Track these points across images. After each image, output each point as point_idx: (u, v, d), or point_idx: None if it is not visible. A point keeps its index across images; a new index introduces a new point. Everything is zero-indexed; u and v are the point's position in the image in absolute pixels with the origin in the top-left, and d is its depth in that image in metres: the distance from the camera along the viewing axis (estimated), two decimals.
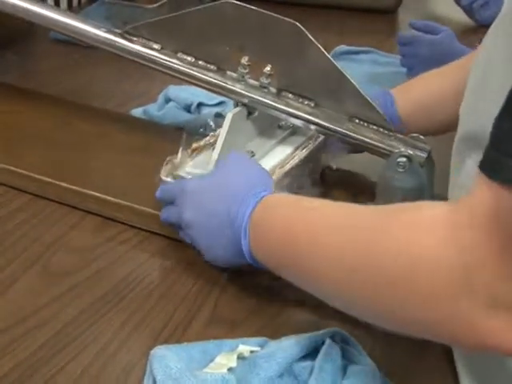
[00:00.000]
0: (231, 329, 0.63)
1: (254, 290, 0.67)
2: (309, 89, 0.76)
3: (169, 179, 0.73)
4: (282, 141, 0.81)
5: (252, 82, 0.78)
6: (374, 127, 0.76)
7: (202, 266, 0.69)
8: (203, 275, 0.69)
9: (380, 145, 0.76)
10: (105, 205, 0.77)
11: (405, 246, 0.45)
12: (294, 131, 0.82)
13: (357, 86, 0.74)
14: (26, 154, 0.85)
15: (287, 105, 0.78)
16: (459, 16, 1.42)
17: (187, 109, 0.95)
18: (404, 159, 0.72)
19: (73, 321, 0.63)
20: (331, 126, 0.77)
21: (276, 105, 0.77)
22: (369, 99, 0.74)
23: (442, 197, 0.62)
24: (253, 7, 0.73)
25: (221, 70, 0.79)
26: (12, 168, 0.82)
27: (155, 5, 1.30)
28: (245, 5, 0.73)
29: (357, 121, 0.76)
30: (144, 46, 0.82)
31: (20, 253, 0.71)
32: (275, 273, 0.60)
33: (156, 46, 0.81)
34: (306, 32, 0.71)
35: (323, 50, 0.72)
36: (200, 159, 0.76)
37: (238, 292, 0.67)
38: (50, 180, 0.79)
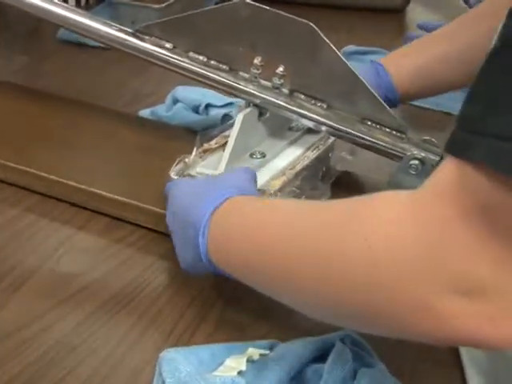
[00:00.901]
0: (240, 331, 0.62)
1: (262, 293, 0.67)
2: (321, 90, 0.76)
3: (176, 178, 0.72)
4: (293, 142, 0.80)
5: (264, 82, 0.78)
6: (387, 130, 0.75)
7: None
8: (211, 277, 0.68)
9: (392, 147, 0.75)
10: (113, 204, 0.76)
11: (368, 228, 0.44)
12: (305, 133, 0.82)
13: (370, 88, 0.73)
14: (34, 153, 0.84)
15: (299, 106, 0.77)
16: None
17: (195, 110, 0.94)
18: (416, 162, 0.71)
19: (81, 323, 0.62)
20: (343, 128, 0.76)
21: (288, 106, 0.77)
22: (382, 101, 0.74)
23: None
24: (267, 7, 0.72)
25: (233, 71, 0.79)
26: (20, 167, 0.81)
27: (163, 5, 1.29)
28: (259, 5, 0.73)
29: (369, 123, 0.75)
30: (156, 44, 0.81)
31: (29, 253, 0.71)
32: (236, 277, 0.58)
33: (168, 45, 0.81)
34: (320, 33, 0.71)
35: (337, 51, 0.72)
36: (211, 160, 0.76)
37: (247, 294, 0.66)
38: (57, 179, 0.79)
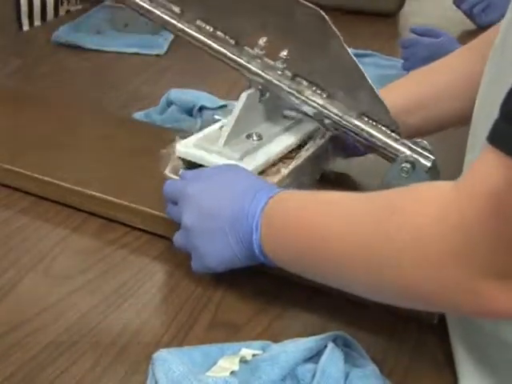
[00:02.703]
0: (233, 332, 0.62)
1: (256, 293, 0.67)
2: (324, 79, 0.75)
3: (172, 175, 0.73)
4: (288, 129, 0.80)
5: (268, 61, 0.77)
6: (383, 128, 0.75)
7: None
8: (205, 278, 0.68)
9: (386, 146, 0.75)
10: (107, 206, 0.77)
11: (410, 218, 0.47)
12: (299, 122, 0.81)
13: (372, 85, 0.72)
14: (27, 155, 0.85)
15: (300, 91, 0.76)
16: (460, 19, 1.43)
17: (189, 112, 0.95)
18: (408, 165, 0.72)
19: (75, 324, 0.63)
20: (340, 119, 0.75)
21: (289, 89, 0.76)
22: (382, 101, 0.73)
23: None
24: None
25: (239, 46, 0.78)
26: (14, 169, 0.82)
27: None
28: None
29: (366, 119, 0.75)
30: (163, 7, 0.79)
31: (22, 255, 0.71)
32: (287, 269, 0.61)
33: (176, 10, 0.79)
34: (330, 23, 0.70)
35: (343, 42, 0.71)
36: (207, 140, 0.75)
37: (240, 295, 0.67)
38: (51, 181, 0.80)
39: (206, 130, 0.78)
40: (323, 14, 0.70)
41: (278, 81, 0.76)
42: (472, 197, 0.44)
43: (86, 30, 1.28)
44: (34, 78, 1.13)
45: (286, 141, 0.78)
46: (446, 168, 0.73)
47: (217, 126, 0.79)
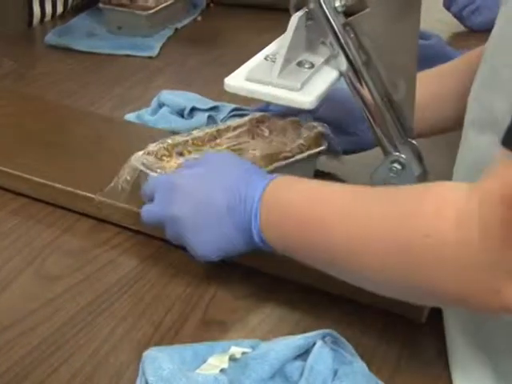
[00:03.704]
0: (223, 331, 0.63)
1: (246, 292, 0.68)
2: (374, 46, 0.70)
3: (149, 172, 0.71)
4: (328, 61, 0.73)
5: None
6: (395, 117, 0.72)
7: (193, 269, 0.70)
8: (195, 278, 0.69)
9: (387, 138, 0.73)
10: (98, 206, 0.77)
11: (432, 222, 0.48)
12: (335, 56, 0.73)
13: (416, 79, 0.70)
14: (20, 156, 0.85)
15: (346, 42, 0.70)
16: (450, 21, 1.43)
17: (180, 113, 0.95)
18: (399, 166, 0.72)
19: (66, 323, 0.63)
20: (364, 87, 0.71)
21: (339, 33, 0.69)
22: (414, 97, 0.71)
23: None
24: None
25: None
26: (6, 170, 0.82)
27: (150, 11, 1.30)
28: None
29: (388, 102, 0.72)
30: None
31: (13, 256, 0.72)
32: (287, 254, 0.61)
33: None
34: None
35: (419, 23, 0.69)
36: (259, 70, 0.70)
37: (231, 294, 0.67)
38: (43, 181, 0.80)
39: (250, 62, 0.72)
40: None
41: (332, 20, 0.69)
42: (492, 199, 0.45)
43: (78, 32, 1.28)
44: (26, 79, 1.13)
45: (334, 70, 0.72)
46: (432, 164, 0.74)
47: (260, 55, 0.73)
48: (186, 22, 1.39)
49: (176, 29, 1.35)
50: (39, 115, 0.96)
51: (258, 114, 0.84)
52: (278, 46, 0.71)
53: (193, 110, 0.94)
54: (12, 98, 1.01)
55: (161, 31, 1.32)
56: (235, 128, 0.80)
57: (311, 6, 0.70)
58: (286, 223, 0.59)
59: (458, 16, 1.41)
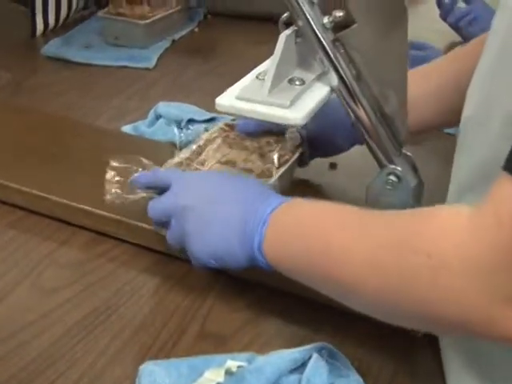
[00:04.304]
0: (221, 343, 0.63)
1: (243, 305, 0.68)
2: (363, 61, 0.70)
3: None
4: (320, 77, 0.73)
5: (319, 12, 0.71)
6: (389, 132, 0.73)
7: (191, 282, 0.70)
8: (192, 291, 0.69)
9: (381, 150, 0.73)
10: (95, 219, 0.77)
11: (434, 244, 0.48)
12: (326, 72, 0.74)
13: (406, 90, 0.70)
14: (16, 168, 0.85)
15: (335, 57, 0.71)
16: (447, 32, 1.44)
17: (177, 125, 0.95)
18: (394, 178, 0.72)
19: (62, 336, 0.63)
20: (357, 101, 0.71)
21: (328, 48, 0.70)
22: (406, 110, 0.72)
23: None
24: None
25: None
26: (3, 182, 0.82)
27: (147, 20, 1.31)
28: None
29: (379, 114, 0.72)
30: None
31: (11, 268, 0.72)
32: (286, 274, 0.60)
33: None
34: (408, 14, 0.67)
35: (407, 36, 0.69)
36: (249, 88, 0.71)
37: (228, 307, 0.68)
38: (40, 194, 0.80)
39: (242, 81, 0.73)
40: (407, 7, 0.68)
41: (321, 36, 0.70)
42: (494, 224, 0.45)
43: (75, 44, 1.29)
44: (23, 90, 1.13)
45: (322, 89, 0.73)
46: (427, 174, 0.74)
47: (251, 75, 0.74)
48: (183, 32, 1.40)
49: (173, 40, 1.35)
50: (36, 127, 0.96)
51: (224, 122, 0.85)
52: (268, 64, 0.72)
53: (190, 121, 0.95)
54: (9, 110, 1.02)
55: (158, 42, 1.33)
56: (211, 141, 0.81)
57: (300, 23, 0.70)
58: (290, 243, 0.59)
59: (455, 26, 1.42)
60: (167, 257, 0.72)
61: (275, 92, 0.70)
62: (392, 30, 0.69)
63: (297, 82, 0.72)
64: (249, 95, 0.70)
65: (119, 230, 0.76)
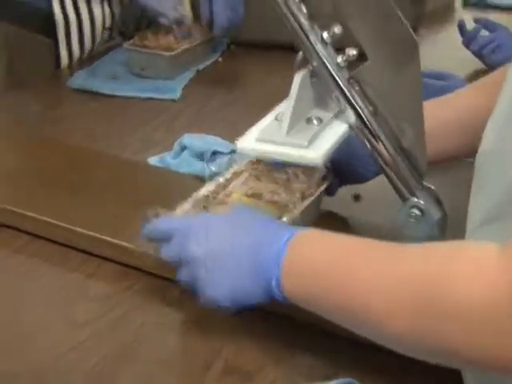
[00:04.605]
0: (246, 380, 0.63)
1: (269, 340, 0.68)
2: (379, 96, 0.72)
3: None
4: (337, 115, 0.75)
5: (332, 52, 0.73)
6: (408, 163, 0.73)
7: (217, 316, 0.70)
8: (218, 326, 0.69)
9: (403, 184, 0.74)
10: (121, 251, 0.78)
11: (463, 284, 0.48)
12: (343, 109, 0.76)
13: (423, 126, 0.71)
14: (42, 197, 0.87)
15: (351, 95, 0.73)
16: (471, 59, 1.44)
17: (202, 157, 0.96)
18: (418, 211, 0.72)
19: (89, 372, 0.64)
20: (377, 138, 0.73)
21: (344, 87, 0.72)
22: (424, 143, 0.72)
23: None
24: None
25: (311, 20, 0.73)
26: (26, 212, 0.83)
27: (172, 52, 1.32)
28: None
29: (398, 149, 0.73)
30: None
31: (42, 300, 0.73)
32: (303, 306, 0.60)
33: None
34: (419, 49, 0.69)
35: (420, 73, 0.70)
36: (266, 132, 0.73)
37: (253, 342, 0.67)
38: (65, 225, 0.81)
39: (261, 122, 0.76)
40: (417, 40, 0.69)
41: (336, 76, 0.72)
42: None
43: (101, 75, 1.30)
44: (50, 122, 1.14)
45: (340, 128, 0.75)
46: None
47: (270, 116, 0.76)
48: (207, 63, 1.41)
49: (197, 70, 1.36)
50: (61, 157, 0.97)
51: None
52: (285, 105, 0.73)
53: (214, 153, 0.96)
54: (33, 140, 1.03)
55: (183, 73, 1.34)
56: (238, 174, 0.82)
57: (314, 63, 0.72)
58: (309, 276, 0.59)
59: (478, 54, 1.42)
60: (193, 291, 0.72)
61: (293, 132, 0.72)
62: (404, 65, 0.70)
63: (314, 122, 0.74)
64: (268, 137, 0.73)
65: (145, 263, 0.76)
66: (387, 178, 0.74)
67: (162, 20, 1.34)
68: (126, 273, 0.77)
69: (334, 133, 0.73)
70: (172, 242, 0.67)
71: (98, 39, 1.43)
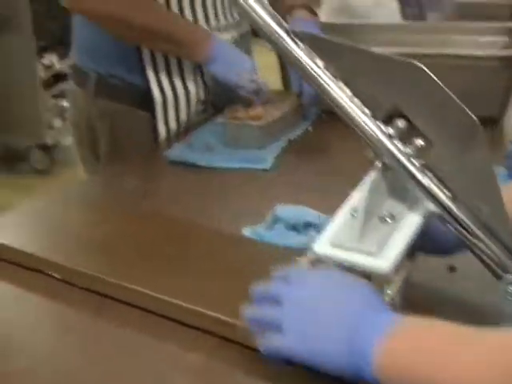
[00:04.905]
0: None
1: None
2: (455, 181, 0.74)
3: None
4: (412, 205, 0.77)
5: (399, 144, 0.75)
6: (495, 241, 0.73)
7: None
8: None
9: (498, 262, 0.73)
10: (221, 325, 0.79)
11: None
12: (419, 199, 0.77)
13: (502, 201, 0.71)
14: (140, 270, 0.90)
15: (428, 184, 0.74)
16: None
17: (295, 228, 0.98)
18: None
19: None
20: (464, 226, 0.73)
21: (420, 178, 0.74)
22: (507, 217, 0.72)
23: None
24: (439, 83, 0.70)
25: (372, 117, 0.76)
26: (122, 283, 0.87)
27: (261, 122, 1.36)
28: (432, 77, 0.70)
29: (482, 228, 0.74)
30: (307, 55, 0.78)
31: (140, 374, 0.75)
32: None
33: (319, 62, 0.78)
34: (482, 132, 0.70)
35: (488, 155, 0.71)
36: (340, 234, 0.75)
37: None
38: (169, 299, 0.84)
39: (337, 220, 0.77)
40: (477, 120, 0.70)
41: (409, 166, 0.74)
42: None
43: (198, 147, 1.35)
44: (147, 195, 1.18)
45: (413, 221, 0.76)
46: None
47: (346, 211, 0.78)
48: (298, 132, 1.44)
49: (289, 140, 1.39)
50: (158, 230, 1.01)
51: None
52: (358, 204, 0.75)
53: (307, 225, 0.97)
54: (134, 216, 1.07)
55: (274, 142, 1.37)
56: None
57: (385, 159, 0.74)
58: (405, 368, 0.60)
59: None
60: (295, 366, 0.71)
61: (367, 233, 0.73)
62: (471, 147, 0.71)
63: (388, 220, 0.75)
64: (341, 241, 0.74)
65: (246, 338, 0.77)
66: (477, 258, 0.74)
67: (242, 92, 1.38)
68: (224, 345, 0.78)
69: (404, 234, 0.74)
70: (268, 306, 0.70)
71: (192, 112, 1.49)
